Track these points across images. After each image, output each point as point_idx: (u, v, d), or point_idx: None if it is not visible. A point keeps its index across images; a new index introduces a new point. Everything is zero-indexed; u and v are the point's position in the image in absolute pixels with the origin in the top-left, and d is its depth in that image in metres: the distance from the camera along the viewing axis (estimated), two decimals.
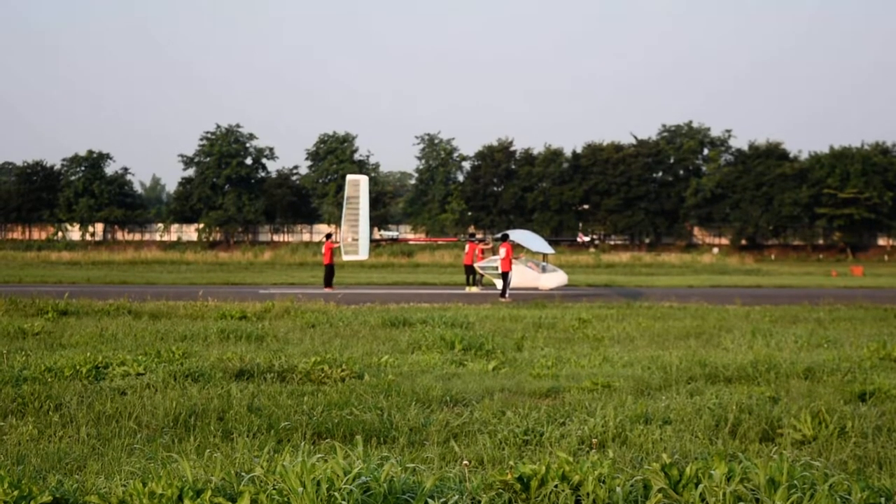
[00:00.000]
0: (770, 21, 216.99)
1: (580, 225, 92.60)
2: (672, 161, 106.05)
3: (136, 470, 8.33)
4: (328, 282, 38.27)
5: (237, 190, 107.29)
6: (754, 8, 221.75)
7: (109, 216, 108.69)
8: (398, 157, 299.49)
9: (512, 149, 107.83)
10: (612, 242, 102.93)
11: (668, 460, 7.62)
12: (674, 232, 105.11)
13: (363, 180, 35.96)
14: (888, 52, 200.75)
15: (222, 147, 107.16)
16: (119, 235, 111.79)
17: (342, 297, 31.56)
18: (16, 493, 7.09)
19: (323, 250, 39.61)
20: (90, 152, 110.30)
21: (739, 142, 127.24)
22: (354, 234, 34.84)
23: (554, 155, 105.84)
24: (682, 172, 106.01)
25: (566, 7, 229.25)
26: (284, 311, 23.71)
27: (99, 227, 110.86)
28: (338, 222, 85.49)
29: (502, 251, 34.06)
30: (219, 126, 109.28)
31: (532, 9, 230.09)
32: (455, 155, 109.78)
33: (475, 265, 38.27)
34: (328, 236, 41.20)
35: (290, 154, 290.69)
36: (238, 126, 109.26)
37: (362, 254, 35.68)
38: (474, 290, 37.86)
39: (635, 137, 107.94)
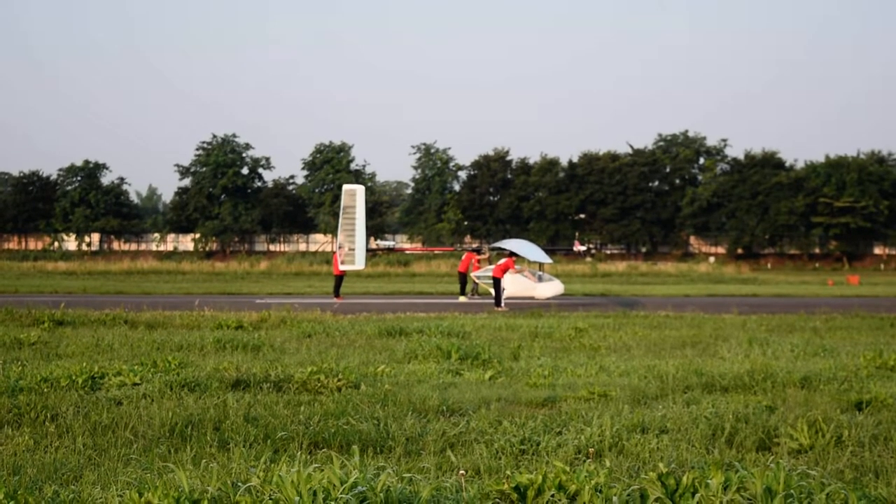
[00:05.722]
0: (766, 32, 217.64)
1: (576, 234, 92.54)
2: (668, 170, 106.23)
3: (133, 480, 8.31)
4: (337, 291, 38.26)
5: (233, 200, 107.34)
6: (751, 20, 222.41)
7: (105, 226, 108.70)
8: (394, 167, 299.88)
9: (508, 158, 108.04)
10: (608, 252, 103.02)
11: (665, 469, 7.62)
12: (670, 241, 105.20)
13: (359, 190, 35.95)
14: (884, 63, 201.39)
15: (218, 157, 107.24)
16: (115, 245, 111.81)
17: (339, 306, 31.54)
18: (12, 503, 7.07)
19: (332, 260, 39.41)
20: (86, 162, 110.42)
21: (735, 151, 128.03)
22: (351, 244, 34.85)
23: (550, 164, 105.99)
24: (678, 182, 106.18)
25: (564, 21, 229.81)
26: (281, 320, 23.69)
27: (95, 237, 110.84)
28: (334, 232, 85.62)
29: (502, 261, 34.08)
30: (215, 136, 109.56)
31: (530, 22, 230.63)
32: (451, 164, 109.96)
33: (472, 275, 38.32)
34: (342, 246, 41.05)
35: (286, 164, 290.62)
36: (234, 136, 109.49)
37: (359, 263, 35.66)
38: (462, 299, 37.90)
39: (631, 147, 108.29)
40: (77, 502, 7.41)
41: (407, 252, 75.73)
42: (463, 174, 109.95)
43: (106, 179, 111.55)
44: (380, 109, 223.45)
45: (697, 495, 7.29)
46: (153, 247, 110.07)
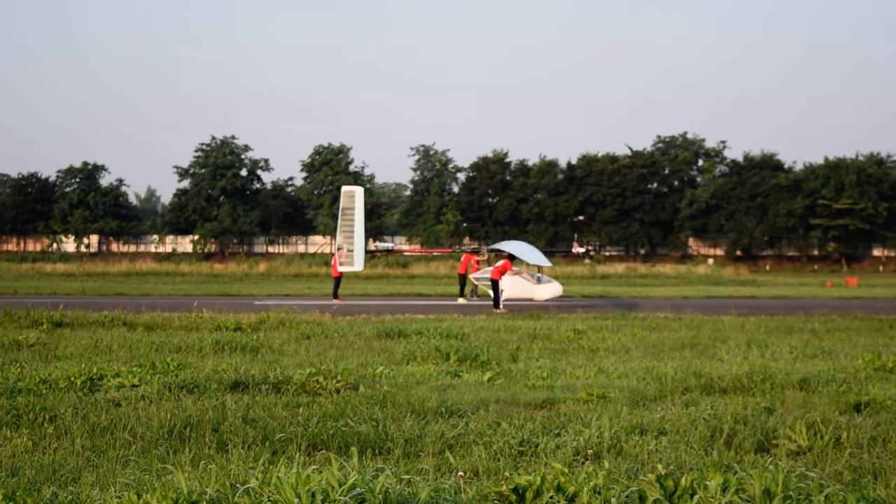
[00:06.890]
0: (766, 36, 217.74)
1: (575, 236, 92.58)
2: (667, 172, 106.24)
3: (131, 482, 8.31)
4: (336, 292, 38.30)
5: (232, 201, 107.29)
6: (751, 23, 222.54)
7: (104, 228, 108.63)
8: (393, 169, 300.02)
9: (507, 160, 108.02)
10: (607, 253, 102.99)
11: (664, 471, 7.62)
12: (669, 243, 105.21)
13: (358, 192, 35.96)
14: (884, 64, 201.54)
15: (217, 158, 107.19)
16: (114, 247, 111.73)
17: (337, 308, 31.54)
18: None
19: (332, 261, 39.41)
20: (85, 164, 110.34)
21: (734, 153, 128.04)
22: (349, 246, 34.86)
23: (549, 166, 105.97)
24: (676, 183, 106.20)
25: (563, 23, 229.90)
26: (279, 322, 23.68)
27: (94, 238, 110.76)
28: (333, 234, 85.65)
29: (500, 263, 34.08)
30: (214, 137, 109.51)
31: (528, 25, 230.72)
32: (450, 166, 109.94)
33: (470, 276, 38.34)
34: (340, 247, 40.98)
35: (285, 165, 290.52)
36: (233, 137, 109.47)
37: (357, 265, 35.69)
38: (461, 301, 37.93)
39: (630, 148, 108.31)
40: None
41: (406, 254, 75.67)
42: (462, 176, 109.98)
43: (105, 181, 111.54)
44: (379, 110, 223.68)
45: (696, 497, 7.29)
46: (152, 248, 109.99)
